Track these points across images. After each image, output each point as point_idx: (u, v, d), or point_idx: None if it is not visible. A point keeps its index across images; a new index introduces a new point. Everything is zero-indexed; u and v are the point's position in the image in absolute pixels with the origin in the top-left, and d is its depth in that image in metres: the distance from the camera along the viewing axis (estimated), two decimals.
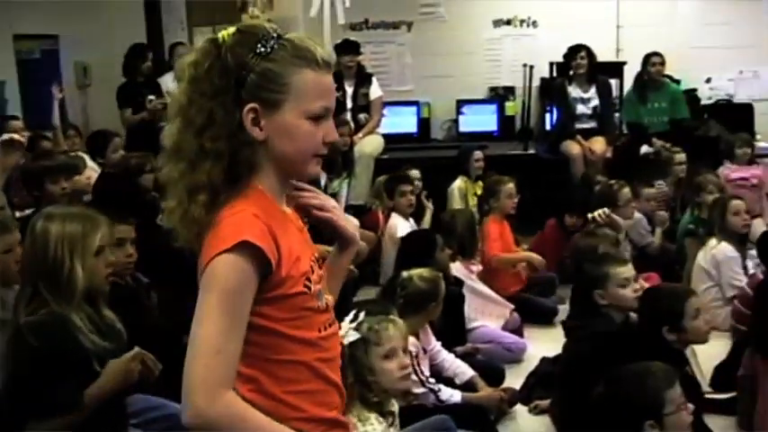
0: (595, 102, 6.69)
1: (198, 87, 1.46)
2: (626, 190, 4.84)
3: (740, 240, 4.20)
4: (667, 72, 7.27)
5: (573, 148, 6.47)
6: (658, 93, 6.94)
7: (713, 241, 4.18)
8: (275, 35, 1.48)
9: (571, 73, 6.75)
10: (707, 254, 4.16)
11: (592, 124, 6.67)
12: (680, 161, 5.88)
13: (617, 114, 7.16)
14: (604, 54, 7.29)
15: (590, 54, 6.68)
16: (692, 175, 5.64)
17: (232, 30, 1.49)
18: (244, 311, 1.38)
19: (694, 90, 7.89)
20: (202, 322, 1.35)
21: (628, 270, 3.22)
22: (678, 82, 7.56)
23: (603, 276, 3.16)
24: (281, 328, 1.46)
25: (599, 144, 6.48)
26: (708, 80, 8.12)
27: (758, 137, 7.27)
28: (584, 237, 4.25)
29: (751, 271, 4.14)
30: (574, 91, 6.72)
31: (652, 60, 6.89)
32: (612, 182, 5.07)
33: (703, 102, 7.91)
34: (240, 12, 6.77)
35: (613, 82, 7.28)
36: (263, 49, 1.46)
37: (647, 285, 3.40)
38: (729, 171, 6.01)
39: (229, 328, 1.36)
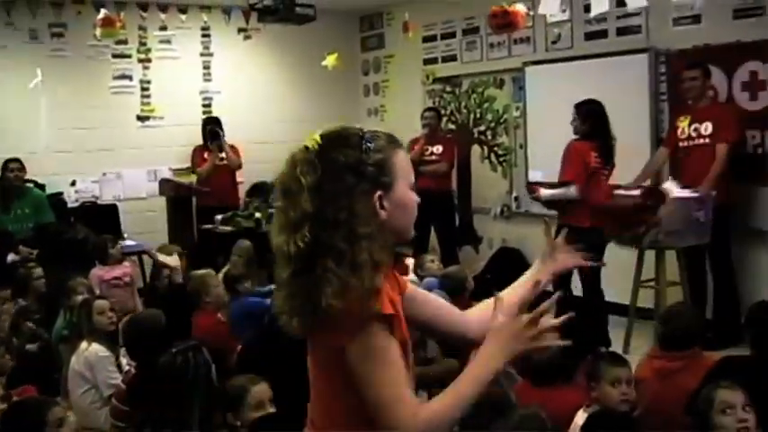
0: None
1: (326, 191, 1.71)
2: None
3: (111, 339, 4.51)
4: (31, 177, 7.45)
5: None
6: (21, 199, 7.05)
7: (84, 344, 4.41)
8: (365, 130, 1.81)
9: None
10: (80, 357, 4.37)
11: None
12: (38, 276, 5.93)
13: None
14: None
15: None
16: (64, 279, 5.80)
17: (316, 137, 1.77)
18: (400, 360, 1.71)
19: (60, 193, 8.18)
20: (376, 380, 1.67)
21: None
22: (42, 187, 7.76)
23: None
24: None
25: None
26: (73, 183, 8.50)
27: (125, 235, 7.83)
28: None
29: (126, 368, 4.46)
30: None
31: (10, 167, 7.00)
32: None
33: (70, 204, 8.24)
34: None
35: None
36: (371, 144, 1.78)
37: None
38: (103, 272, 6.33)
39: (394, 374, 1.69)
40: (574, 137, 6.14)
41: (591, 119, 6.04)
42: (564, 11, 7.30)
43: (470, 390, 1.69)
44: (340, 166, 1.74)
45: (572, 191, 5.96)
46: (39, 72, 7.95)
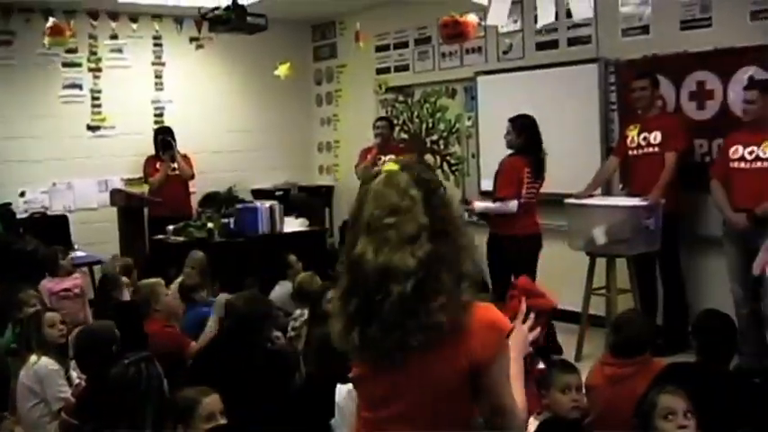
0: None
1: (433, 204, 1.89)
2: None
3: (60, 352, 4.45)
4: None
5: None
6: None
7: (33, 357, 4.34)
8: None
9: None
10: (29, 371, 4.30)
11: None
12: None
13: None
14: None
15: None
16: (13, 291, 5.71)
17: (393, 165, 1.94)
18: None
19: (9, 204, 8.05)
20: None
21: None
22: None
23: None
24: None
25: None
26: (22, 194, 8.37)
27: (76, 246, 7.73)
28: None
29: (76, 381, 4.40)
30: None
31: None
32: None
33: (19, 215, 8.10)
34: None
35: None
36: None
37: None
38: (53, 284, 6.23)
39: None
40: (508, 151, 6.33)
41: (525, 133, 6.25)
42: (515, 21, 7.40)
43: (519, 385, 2.04)
44: (432, 182, 1.96)
45: (512, 206, 6.18)
46: None
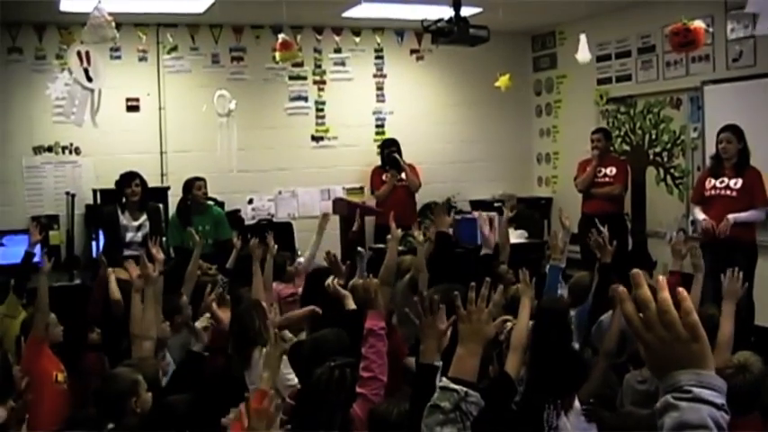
0: (146, 229, 7.01)
1: None
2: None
3: None
4: (212, 194, 7.93)
5: (120, 275, 6.67)
6: (202, 216, 7.48)
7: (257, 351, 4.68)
8: None
9: (124, 200, 7.06)
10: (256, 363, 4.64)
11: (142, 251, 6.94)
12: (223, 283, 6.28)
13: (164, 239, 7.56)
14: (150, 179, 7.62)
15: (142, 181, 7.08)
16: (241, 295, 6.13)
17: None
18: None
19: (238, 211, 8.67)
20: None
21: None
22: (222, 204, 8.25)
23: None
24: None
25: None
26: (250, 201, 8.99)
27: (299, 252, 8.19)
28: None
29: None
30: (125, 218, 7.03)
31: (197, 184, 7.47)
32: None
33: (247, 222, 8.71)
34: None
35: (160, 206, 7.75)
36: None
37: None
38: (281, 288, 6.66)
39: None
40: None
41: (744, 140, 6.43)
42: (746, 27, 7.14)
43: None
44: None
45: (764, 214, 6.43)
46: (225, 93, 8.38)
